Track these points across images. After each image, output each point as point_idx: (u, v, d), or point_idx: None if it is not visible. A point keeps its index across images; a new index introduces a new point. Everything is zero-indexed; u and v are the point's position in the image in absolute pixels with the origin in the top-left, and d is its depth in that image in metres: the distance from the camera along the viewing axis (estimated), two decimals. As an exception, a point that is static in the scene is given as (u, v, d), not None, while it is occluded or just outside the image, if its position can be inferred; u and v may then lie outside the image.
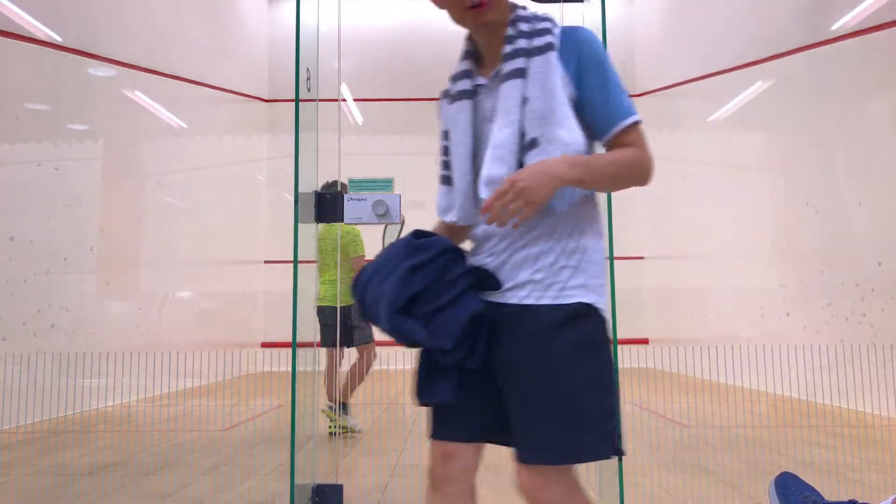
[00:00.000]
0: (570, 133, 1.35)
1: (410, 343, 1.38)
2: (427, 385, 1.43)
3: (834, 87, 6.46)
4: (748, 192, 8.02)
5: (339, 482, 2.19)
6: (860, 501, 1.45)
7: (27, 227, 5.70)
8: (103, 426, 5.48)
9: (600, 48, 1.42)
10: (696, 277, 9.26)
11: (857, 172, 6.11)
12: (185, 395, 7.25)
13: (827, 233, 6.53)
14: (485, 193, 1.40)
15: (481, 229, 1.47)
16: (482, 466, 1.44)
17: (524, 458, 1.33)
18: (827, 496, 1.53)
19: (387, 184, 2.34)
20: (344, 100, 9.90)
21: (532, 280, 1.39)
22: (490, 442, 1.44)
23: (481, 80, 1.48)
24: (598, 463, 2.06)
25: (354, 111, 10.63)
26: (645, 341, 9.96)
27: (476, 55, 1.52)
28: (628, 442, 4.28)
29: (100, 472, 3.73)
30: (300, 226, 2.20)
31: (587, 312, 1.38)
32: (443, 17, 1.48)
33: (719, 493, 3.13)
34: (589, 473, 2.92)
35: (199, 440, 4.80)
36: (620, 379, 2.05)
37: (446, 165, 1.53)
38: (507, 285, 1.42)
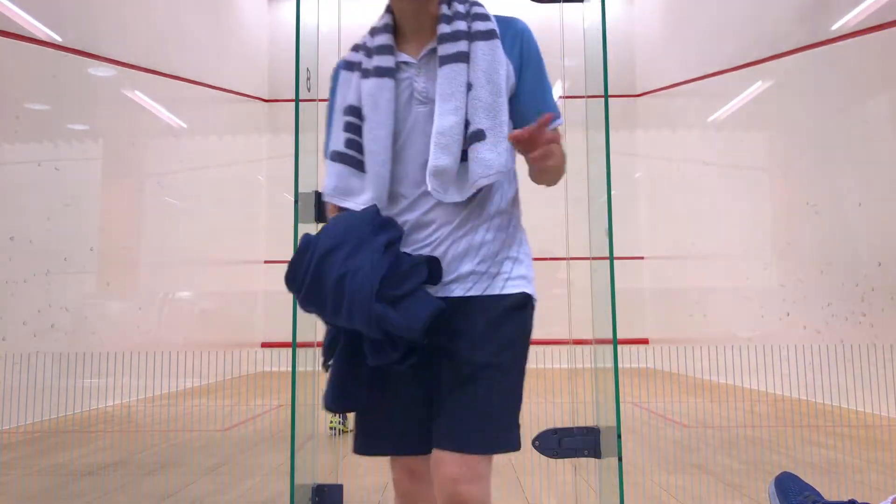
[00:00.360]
0: (508, 130, 1.35)
1: (375, 330, 1.23)
2: (342, 391, 1.34)
3: (834, 87, 6.45)
4: (748, 192, 8.02)
5: (339, 482, 2.18)
6: (860, 501, 1.45)
7: (27, 227, 5.70)
8: (103, 426, 5.48)
9: (536, 43, 1.42)
10: (696, 277, 9.25)
11: (857, 172, 6.11)
12: (184, 395, 7.25)
13: (827, 233, 6.53)
14: (432, 184, 1.32)
15: (415, 216, 1.36)
16: None
17: (466, 446, 1.24)
18: (827, 496, 1.53)
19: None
20: (344, 100, 9.88)
21: (476, 271, 1.35)
22: None
23: (407, 58, 1.38)
24: (598, 462, 2.06)
25: (354, 111, 10.62)
26: (645, 341, 9.95)
27: (394, 29, 1.41)
28: (628, 441, 4.28)
29: (100, 472, 3.73)
30: (300, 226, 2.20)
31: (528, 303, 1.38)
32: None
33: (719, 493, 3.13)
34: (589, 474, 2.92)
35: (199, 440, 4.80)
36: (620, 379, 2.04)
37: (352, 144, 1.39)
38: (449, 277, 1.34)
